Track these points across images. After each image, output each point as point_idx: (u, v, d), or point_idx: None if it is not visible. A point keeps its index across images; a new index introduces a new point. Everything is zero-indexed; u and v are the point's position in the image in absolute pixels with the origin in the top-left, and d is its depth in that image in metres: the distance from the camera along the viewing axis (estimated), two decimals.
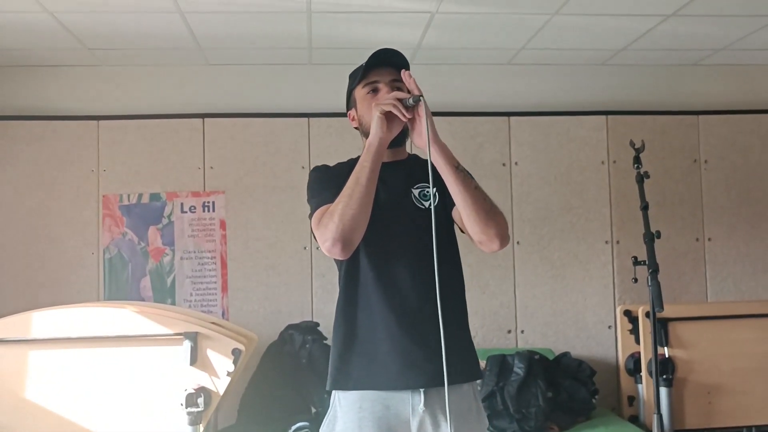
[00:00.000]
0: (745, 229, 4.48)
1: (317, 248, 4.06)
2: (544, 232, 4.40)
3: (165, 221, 4.18)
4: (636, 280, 2.79)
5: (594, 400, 3.77)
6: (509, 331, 4.34)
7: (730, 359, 3.78)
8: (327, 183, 1.94)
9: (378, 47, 1.98)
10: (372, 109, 1.85)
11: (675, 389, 3.71)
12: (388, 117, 1.81)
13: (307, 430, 3.46)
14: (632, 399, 4.02)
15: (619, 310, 4.11)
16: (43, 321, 3.25)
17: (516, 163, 4.41)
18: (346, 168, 1.95)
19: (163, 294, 4.12)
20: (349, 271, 1.93)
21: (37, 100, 4.20)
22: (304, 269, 4.18)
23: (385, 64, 1.95)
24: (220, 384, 3.25)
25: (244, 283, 4.20)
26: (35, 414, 3.19)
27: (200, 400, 3.18)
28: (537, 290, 4.37)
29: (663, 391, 3.67)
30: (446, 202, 1.96)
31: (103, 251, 4.14)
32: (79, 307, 3.52)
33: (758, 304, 4.13)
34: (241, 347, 3.27)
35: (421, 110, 1.80)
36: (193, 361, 3.23)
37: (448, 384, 1.74)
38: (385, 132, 1.82)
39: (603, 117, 4.46)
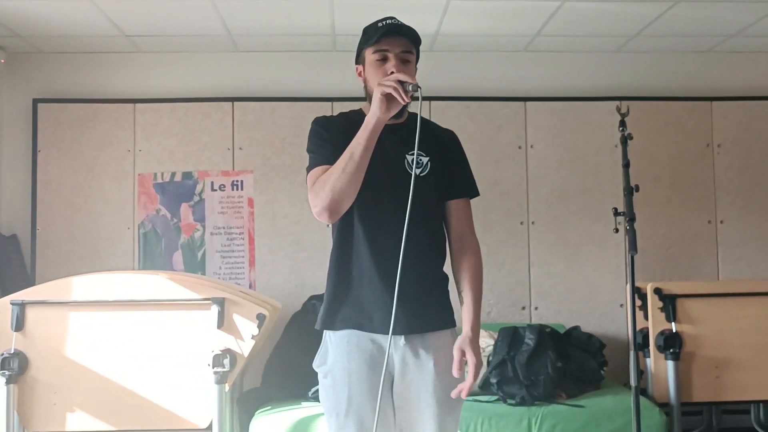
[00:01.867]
0: (757, 212, 4.58)
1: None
2: (559, 212, 4.55)
3: (196, 198, 4.42)
4: (617, 230, 2.98)
5: (603, 372, 3.91)
6: (523, 308, 4.49)
7: (739, 334, 3.87)
8: (325, 140, 2.08)
9: None
10: (376, 85, 1.97)
11: (683, 363, 3.82)
12: (389, 98, 1.93)
13: None
14: (641, 373, 4.13)
15: (628, 287, 4.22)
16: (83, 285, 3.50)
17: (532, 146, 4.56)
18: (345, 121, 2.12)
19: (194, 267, 4.36)
20: (342, 227, 2.10)
21: (78, 85, 4.48)
22: (327, 245, 4.29)
23: (398, 35, 2.06)
24: (245, 346, 3.46)
25: (271, 258, 4.43)
26: (74, 371, 3.44)
27: (226, 361, 3.40)
28: (551, 268, 4.52)
29: (670, 364, 3.80)
30: (440, 174, 2.11)
31: (138, 226, 4.40)
32: (115, 273, 3.79)
33: (767, 282, 4.22)
34: (265, 312, 3.49)
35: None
36: (220, 324, 3.45)
37: (427, 331, 2.04)
38: (384, 112, 1.94)
39: (615, 102, 4.58)
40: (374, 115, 1.94)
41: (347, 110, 2.22)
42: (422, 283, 2.08)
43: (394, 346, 2.05)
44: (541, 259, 4.52)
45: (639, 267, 4.48)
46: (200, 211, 4.42)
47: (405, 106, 2.05)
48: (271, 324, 3.69)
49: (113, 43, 4.33)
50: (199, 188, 4.43)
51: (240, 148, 4.48)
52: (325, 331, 2.14)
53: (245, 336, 3.49)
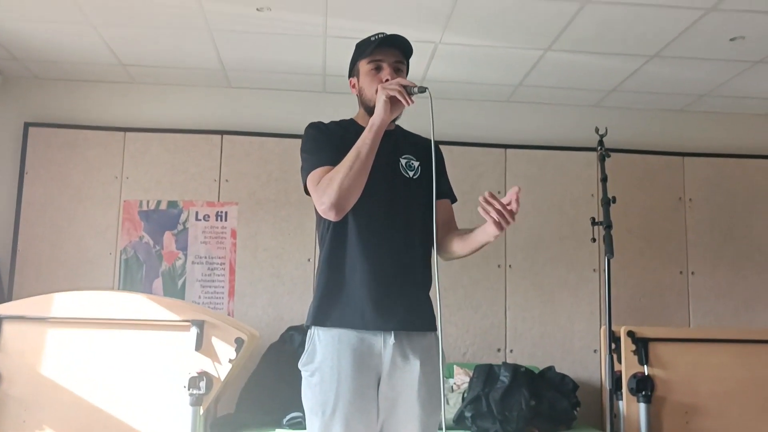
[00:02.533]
0: (725, 266, 4.73)
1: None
2: (536, 258, 4.65)
3: (180, 227, 4.47)
4: (594, 240, 3.09)
5: (575, 412, 3.95)
6: (498, 350, 4.54)
7: (708, 382, 3.93)
8: (323, 144, 2.16)
9: None
10: (378, 91, 2.07)
11: (654, 407, 3.87)
12: (392, 100, 2.02)
13: (300, 419, 3.65)
14: (614, 415, 4.19)
15: (602, 331, 4.31)
16: (63, 302, 3.50)
17: None
18: (340, 130, 2.22)
19: (174, 295, 4.37)
20: (336, 227, 2.15)
21: (71, 111, 4.57)
22: (307, 279, 4.45)
23: (392, 46, 2.19)
24: (221, 370, 3.47)
25: (250, 289, 4.46)
26: (47, 388, 3.42)
27: (202, 384, 3.41)
28: (527, 313, 4.59)
29: (642, 407, 3.85)
30: (429, 178, 2.18)
31: (120, 252, 4.42)
32: (96, 291, 3.80)
33: (736, 330, 4.33)
34: (244, 336, 3.51)
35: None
36: (199, 347, 3.47)
37: (414, 330, 2.11)
38: (388, 114, 2.04)
39: (593, 153, 4.76)
40: (379, 116, 2.03)
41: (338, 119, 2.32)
42: (412, 284, 2.15)
43: (383, 345, 2.09)
44: (516, 302, 4.60)
45: (612, 314, 4.57)
46: (183, 240, 4.46)
47: (398, 116, 2.19)
48: (248, 352, 3.70)
49: (109, 71, 4.45)
50: (183, 217, 4.48)
51: (226, 180, 4.56)
52: (313, 328, 2.15)
53: (222, 359, 3.50)
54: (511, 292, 4.61)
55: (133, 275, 4.40)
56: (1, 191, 4.47)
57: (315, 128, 2.23)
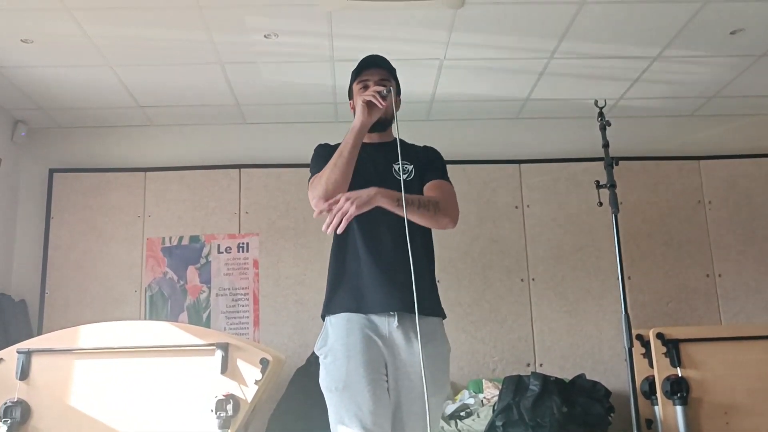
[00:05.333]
0: (752, 267, 4.66)
1: None
2: (557, 269, 4.63)
3: (203, 261, 4.54)
4: (601, 204, 3.13)
5: (610, 418, 3.86)
6: (528, 364, 4.48)
7: (745, 380, 3.83)
8: (324, 157, 2.38)
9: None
10: (357, 99, 2.37)
11: (691, 409, 3.78)
12: (369, 105, 2.30)
13: None
14: (650, 422, 4.08)
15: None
16: (89, 334, 3.54)
17: (528, 206, 4.72)
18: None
19: None
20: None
21: (92, 156, 4.73)
22: None
23: (375, 66, 2.48)
24: (248, 392, 3.46)
25: (275, 318, 4.48)
26: (76, 419, 3.42)
27: (229, 407, 3.40)
28: (554, 324, 4.55)
29: (678, 409, 3.76)
30: (423, 178, 2.43)
31: (145, 289, 4.49)
32: (121, 322, 3.84)
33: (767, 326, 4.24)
34: (269, 357, 3.51)
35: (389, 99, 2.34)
36: (224, 370, 3.47)
37: (420, 313, 2.15)
38: (366, 117, 2.30)
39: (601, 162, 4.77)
40: (358, 119, 2.31)
41: None
42: (414, 272, 2.24)
43: (388, 327, 2.24)
44: (542, 314, 4.56)
45: (640, 320, 4.52)
46: (206, 273, 4.52)
47: (389, 125, 2.47)
48: (275, 374, 3.69)
49: (127, 115, 4.60)
50: (205, 251, 4.55)
51: (246, 212, 4.64)
52: (326, 318, 2.34)
53: (249, 381, 3.49)
54: (536, 305, 4.58)
55: (158, 311, 4.45)
56: (29, 236, 4.59)
57: (320, 147, 2.51)
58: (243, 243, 4.57)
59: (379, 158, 2.42)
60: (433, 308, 2.33)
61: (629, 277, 4.60)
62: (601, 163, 4.71)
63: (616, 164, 3.06)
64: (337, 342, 2.24)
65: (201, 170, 4.69)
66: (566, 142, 4.85)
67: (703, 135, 4.91)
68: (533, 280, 4.61)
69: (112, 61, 3.91)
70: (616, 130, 4.83)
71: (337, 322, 2.28)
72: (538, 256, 4.65)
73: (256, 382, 3.47)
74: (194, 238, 4.58)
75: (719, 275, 4.65)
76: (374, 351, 2.20)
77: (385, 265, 2.28)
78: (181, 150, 4.75)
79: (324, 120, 4.80)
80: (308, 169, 2.48)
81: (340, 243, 2.39)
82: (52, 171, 4.65)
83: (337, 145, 2.47)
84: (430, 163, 2.49)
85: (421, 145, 2.60)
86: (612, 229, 3.10)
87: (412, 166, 2.45)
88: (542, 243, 4.66)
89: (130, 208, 4.62)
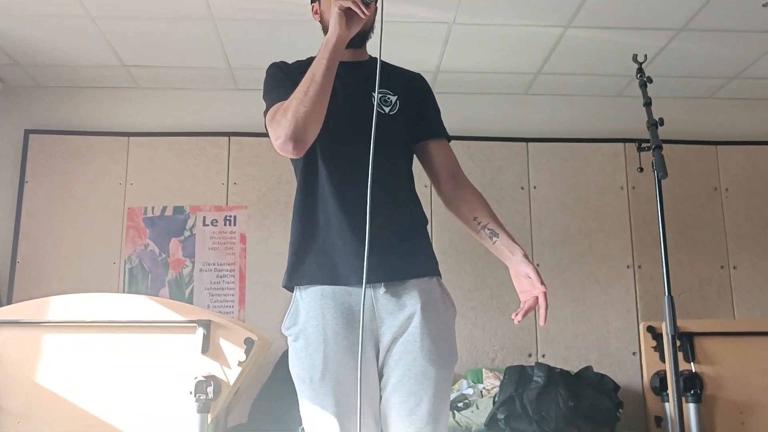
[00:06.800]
0: None
1: None
2: (564, 255, 4.37)
3: (187, 234, 4.25)
4: (642, 169, 2.87)
5: (618, 413, 3.61)
6: (530, 355, 4.23)
7: (761, 376, 3.63)
8: (282, 80, 1.90)
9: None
10: (332, 6, 1.80)
11: (704, 407, 3.55)
12: (348, 14, 1.77)
13: None
14: (660, 420, 3.85)
15: (642, 327, 4.00)
16: (60, 306, 3.28)
17: (534, 187, 4.45)
18: (304, 66, 1.86)
19: None
20: (305, 170, 1.91)
21: (75, 118, 4.41)
22: None
23: None
24: (231, 374, 3.21)
25: (262, 297, 4.20)
26: (44, 398, 3.17)
27: (210, 389, 3.15)
28: (558, 313, 4.29)
29: (692, 407, 3.53)
30: (410, 113, 1.96)
31: (125, 261, 4.20)
32: (96, 294, 3.57)
33: None
34: (254, 337, 3.25)
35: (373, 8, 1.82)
36: (205, 349, 3.22)
37: (409, 278, 1.83)
38: (344, 29, 1.77)
39: (620, 144, 4.52)
40: (334, 32, 1.78)
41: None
42: (396, 228, 1.86)
43: (374, 297, 1.81)
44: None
45: (651, 313, 4.27)
46: (190, 247, 4.24)
47: (366, 39, 1.95)
48: (259, 356, 3.44)
49: (111, 75, 4.30)
50: (190, 223, 4.27)
51: (235, 183, 4.35)
52: (294, 289, 1.90)
53: (231, 363, 3.23)
54: None
55: (138, 285, 4.17)
56: (0, 202, 4.28)
57: (275, 67, 1.98)
58: (230, 216, 4.29)
59: (352, 82, 1.91)
60: (427, 268, 1.89)
61: (639, 266, 4.35)
62: (613, 145, 4.53)
63: (661, 124, 2.71)
64: (310, 323, 1.81)
65: (188, 137, 4.39)
66: (578, 120, 4.57)
67: (720, 119, 4.64)
68: (538, 265, 4.30)
69: (92, 12, 3.60)
70: (631, 110, 4.60)
71: (308, 295, 1.84)
72: (544, 240, 4.38)
73: (240, 364, 3.21)
74: (178, 209, 4.29)
75: (734, 267, 4.39)
76: (357, 329, 1.75)
77: (360, 223, 1.75)
78: (167, 115, 4.45)
79: None
80: None
81: (305, 190, 1.90)
82: (27, 132, 4.33)
83: (297, 64, 1.97)
84: (424, 103, 2.02)
85: (409, 70, 2.08)
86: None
87: (396, 97, 1.94)
88: (548, 226, 4.40)
89: (111, 174, 4.32)
